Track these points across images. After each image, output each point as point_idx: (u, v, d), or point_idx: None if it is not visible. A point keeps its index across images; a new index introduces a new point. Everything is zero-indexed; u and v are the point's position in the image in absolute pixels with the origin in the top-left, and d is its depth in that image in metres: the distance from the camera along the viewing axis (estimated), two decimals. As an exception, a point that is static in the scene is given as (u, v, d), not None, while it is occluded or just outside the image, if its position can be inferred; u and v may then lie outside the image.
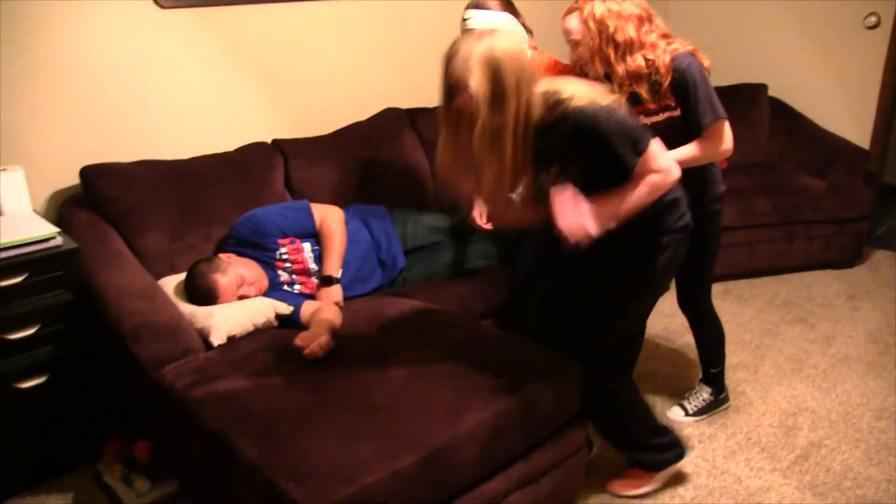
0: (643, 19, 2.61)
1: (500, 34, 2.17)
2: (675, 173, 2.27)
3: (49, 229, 2.80)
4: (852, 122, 4.95)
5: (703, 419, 3.25)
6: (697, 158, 2.64)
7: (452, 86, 2.19)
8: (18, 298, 2.72)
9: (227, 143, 3.58)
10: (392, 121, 4.05)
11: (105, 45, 3.24)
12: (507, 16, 3.06)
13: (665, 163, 2.25)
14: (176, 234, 3.20)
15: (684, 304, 3.17)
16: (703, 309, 3.18)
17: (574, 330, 2.66)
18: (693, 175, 2.62)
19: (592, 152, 2.21)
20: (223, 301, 2.87)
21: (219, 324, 2.73)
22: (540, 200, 2.33)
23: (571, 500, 2.76)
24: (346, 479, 1.95)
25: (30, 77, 3.08)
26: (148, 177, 3.22)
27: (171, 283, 2.98)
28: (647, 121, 2.68)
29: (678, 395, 3.37)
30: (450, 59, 2.20)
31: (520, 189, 2.45)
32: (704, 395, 3.27)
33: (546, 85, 2.21)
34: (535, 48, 3.16)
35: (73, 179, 3.20)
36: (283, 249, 3.14)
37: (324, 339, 2.56)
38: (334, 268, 3.13)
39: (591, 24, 2.60)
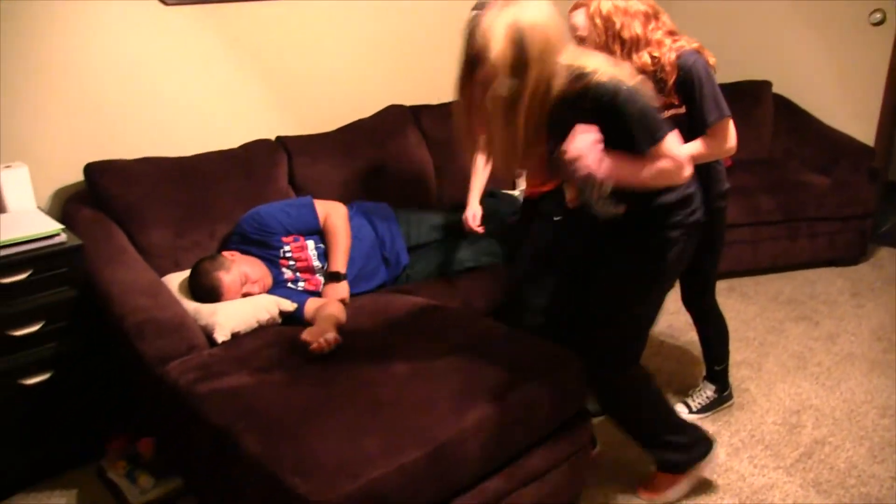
0: (649, 16, 2.60)
1: (527, 4, 2.09)
2: (688, 170, 2.24)
3: (53, 226, 2.80)
4: (857, 119, 4.94)
5: (707, 417, 3.25)
6: (702, 156, 2.64)
7: (474, 57, 2.14)
8: (23, 295, 2.72)
9: (230, 140, 3.59)
10: (396, 118, 4.05)
11: (109, 43, 3.24)
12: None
13: (678, 157, 2.21)
14: (180, 231, 3.20)
15: (688, 301, 3.17)
16: (707, 306, 3.18)
17: (577, 329, 2.66)
18: (698, 172, 2.61)
19: (608, 130, 2.16)
20: (227, 298, 2.87)
21: (223, 321, 2.73)
22: (553, 173, 2.30)
23: (575, 498, 2.76)
24: (351, 473, 1.95)
25: (34, 74, 3.08)
26: (152, 174, 3.22)
27: (175, 280, 2.99)
28: None
29: (682, 392, 3.37)
30: (472, 30, 2.14)
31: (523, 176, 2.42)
32: (708, 392, 3.27)
33: (571, 58, 2.17)
34: None
35: (77, 176, 3.20)
36: (287, 247, 3.14)
37: (331, 334, 2.56)
38: (341, 264, 3.13)
39: (598, 21, 2.59)
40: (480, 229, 3.27)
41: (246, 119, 3.74)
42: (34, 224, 2.82)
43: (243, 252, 3.10)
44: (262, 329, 2.84)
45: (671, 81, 2.60)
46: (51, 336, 2.81)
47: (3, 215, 2.93)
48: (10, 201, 2.97)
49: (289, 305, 2.92)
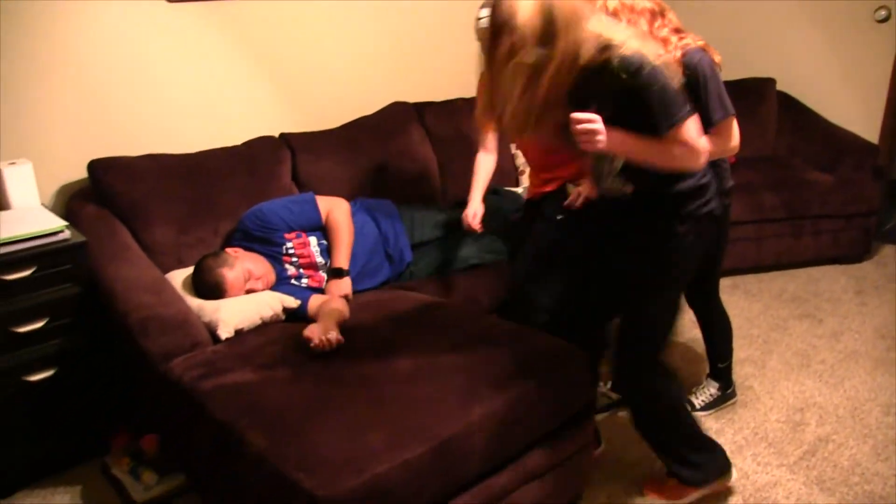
0: (655, 14, 2.59)
1: None
2: (703, 158, 2.22)
3: (57, 223, 2.81)
4: (861, 117, 4.93)
5: (711, 414, 3.25)
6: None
7: (500, 28, 2.12)
8: (27, 292, 2.72)
9: (234, 136, 3.59)
10: (399, 115, 4.05)
11: (113, 40, 3.24)
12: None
13: (695, 143, 2.18)
14: (183, 228, 3.20)
15: (692, 298, 3.17)
16: (711, 304, 3.18)
17: (579, 327, 2.65)
18: None
19: (627, 105, 2.14)
20: (230, 295, 2.87)
21: (226, 317, 2.73)
22: (567, 142, 2.29)
23: (578, 496, 2.76)
24: (355, 469, 1.95)
25: (38, 71, 3.09)
26: (155, 171, 3.22)
27: (178, 277, 2.99)
28: None
29: (686, 389, 3.37)
30: (497, 1, 2.13)
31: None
32: (712, 389, 3.27)
33: (601, 28, 2.14)
34: None
35: (81, 173, 3.21)
36: (290, 244, 3.14)
37: (333, 334, 2.55)
38: (343, 260, 3.13)
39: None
40: (479, 228, 3.25)
41: (250, 116, 3.74)
42: (38, 221, 2.82)
43: (246, 249, 3.10)
44: (265, 326, 2.84)
45: None
46: (54, 333, 2.81)
47: (8, 212, 2.94)
48: (14, 198, 2.97)
49: (292, 302, 2.92)
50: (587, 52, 2.10)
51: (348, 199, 3.43)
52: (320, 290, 3.09)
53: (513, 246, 3.44)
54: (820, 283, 4.53)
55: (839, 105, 5.01)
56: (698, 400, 3.26)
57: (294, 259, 3.14)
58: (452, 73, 4.44)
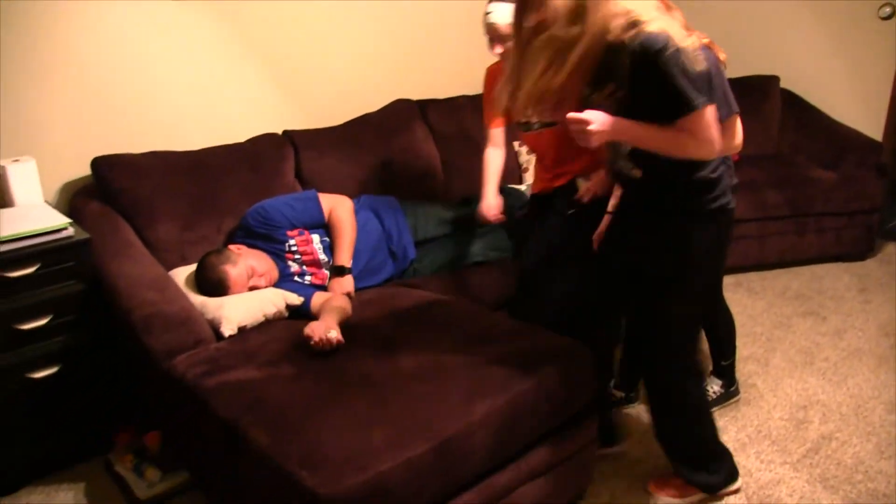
0: (662, 11, 2.59)
1: None
2: (715, 151, 2.20)
3: (61, 220, 2.81)
4: (865, 114, 4.92)
5: (714, 412, 3.23)
6: None
7: (527, 4, 2.12)
8: (30, 289, 2.73)
9: (237, 134, 3.59)
10: (402, 112, 4.05)
11: (116, 37, 3.24)
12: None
13: (710, 135, 2.16)
14: (187, 225, 3.21)
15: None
16: (715, 302, 3.17)
17: (593, 324, 2.65)
18: None
19: (644, 86, 2.13)
20: (234, 292, 2.87)
21: (230, 314, 2.73)
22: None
23: (581, 494, 2.76)
24: (358, 466, 1.95)
25: (41, 69, 3.09)
26: (159, 168, 3.22)
27: (182, 274, 2.99)
28: None
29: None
30: None
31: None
32: (715, 387, 3.27)
33: (629, 4, 2.13)
34: None
35: (84, 170, 3.21)
36: (292, 241, 3.14)
37: (333, 333, 2.55)
38: (346, 257, 3.13)
39: None
40: (502, 217, 3.23)
41: (253, 113, 3.74)
42: (42, 218, 2.83)
43: (249, 246, 3.10)
44: (268, 323, 2.84)
45: None
46: (58, 330, 2.82)
47: (11, 209, 2.94)
48: (17, 195, 2.97)
49: (295, 299, 2.92)
50: (615, 28, 2.10)
51: (351, 196, 3.44)
52: (323, 287, 3.10)
53: (518, 242, 3.43)
54: (823, 280, 4.53)
55: (843, 102, 5.01)
56: (701, 397, 3.26)
57: (297, 256, 3.14)
58: (455, 71, 4.44)
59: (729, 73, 2.72)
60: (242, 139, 3.57)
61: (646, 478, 2.83)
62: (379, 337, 2.65)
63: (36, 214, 2.87)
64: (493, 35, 2.97)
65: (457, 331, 2.65)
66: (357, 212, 3.32)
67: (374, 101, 4.07)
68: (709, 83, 2.15)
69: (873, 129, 4.87)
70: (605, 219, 2.85)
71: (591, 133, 2.13)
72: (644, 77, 2.11)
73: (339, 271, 3.10)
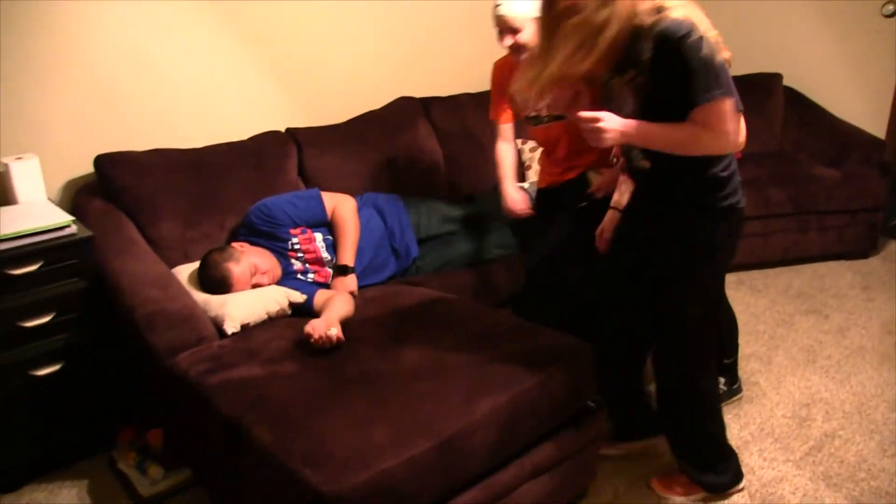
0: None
1: None
2: (731, 145, 2.20)
3: (64, 218, 2.81)
4: (868, 112, 4.92)
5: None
6: None
7: None
8: (33, 286, 2.73)
9: (240, 131, 3.59)
10: (406, 109, 4.05)
11: (119, 35, 3.24)
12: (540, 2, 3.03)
13: (727, 127, 2.15)
14: (189, 223, 3.21)
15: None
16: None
17: (603, 316, 2.65)
18: None
19: (666, 70, 2.11)
20: (237, 290, 2.87)
21: (232, 312, 2.73)
22: (606, 103, 2.28)
23: (584, 492, 2.76)
24: (361, 464, 1.95)
25: (44, 67, 3.09)
26: (162, 165, 3.23)
27: (184, 272, 2.99)
28: None
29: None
30: None
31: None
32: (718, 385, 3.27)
33: None
34: None
35: (87, 168, 3.21)
36: (295, 239, 3.14)
37: (333, 330, 2.54)
38: (349, 257, 3.13)
39: None
40: (530, 211, 3.23)
41: (256, 111, 3.74)
42: (45, 215, 2.83)
43: (252, 244, 3.10)
44: (271, 320, 2.84)
45: None
46: (61, 327, 2.82)
47: (14, 206, 2.94)
48: (20, 193, 2.97)
49: (298, 297, 2.92)
50: (642, 13, 2.10)
51: (354, 193, 3.44)
52: (326, 286, 3.10)
53: (525, 237, 3.43)
54: (826, 278, 4.53)
55: (846, 100, 5.00)
56: (704, 395, 3.26)
57: (300, 254, 3.14)
58: (458, 68, 4.43)
59: (732, 70, 2.71)
60: (245, 137, 3.57)
61: (648, 475, 2.83)
62: (382, 335, 2.65)
63: (39, 212, 2.87)
64: (503, 27, 2.96)
65: (459, 329, 2.65)
66: (360, 209, 3.32)
67: (377, 99, 4.07)
68: (727, 75, 2.14)
69: (877, 126, 4.86)
70: (609, 214, 2.85)
71: (602, 131, 2.13)
72: (665, 63, 2.10)
73: (342, 270, 3.10)
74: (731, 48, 2.77)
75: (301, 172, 3.61)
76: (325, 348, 2.52)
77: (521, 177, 4.19)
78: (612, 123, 2.15)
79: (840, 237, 4.68)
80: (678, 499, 2.73)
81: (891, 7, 4.66)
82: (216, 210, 3.28)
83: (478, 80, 4.31)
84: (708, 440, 2.67)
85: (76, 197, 3.21)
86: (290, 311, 2.91)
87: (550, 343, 2.54)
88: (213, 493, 2.67)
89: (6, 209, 2.90)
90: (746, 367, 3.54)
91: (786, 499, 2.73)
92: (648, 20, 2.10)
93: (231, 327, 2.70)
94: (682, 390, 2.61)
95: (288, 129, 3.71)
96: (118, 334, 2.89)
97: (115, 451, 2.96)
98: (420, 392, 2.26)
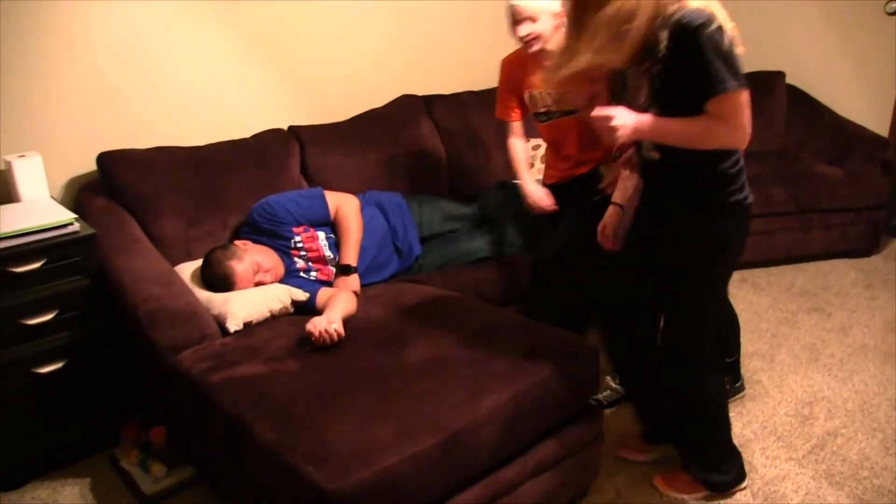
0: None
1: None
2: (744, 139, 2.19)
3: (66, 215, 2.81)
4: (871, 110, 4.91)
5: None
6: None
7: None
8: (36, 284, 2.73)
9: (243, 129, 3.59)
10: (408, 107, 4.05)
11: (122, 32, 3.24)
12: None
13: (741, 120, 2.15)
14: (192, 221, 3.21)
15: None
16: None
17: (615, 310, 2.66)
18: None
19: (682, 60, 2.11)
20: (239, 288, 2.88)
21: (235, 310, 2.74)
22: (620, 94, 2.28)
23: (586, 490, 2.76)
24: (364, 461, 1.95)
25: (47, 64, 3.09)
26: (164, 163, 3.23)
27: (187, 270, 2.99)
28: None
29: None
30: None
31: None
32: (720, 383, 3.27)
33: None
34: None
35: (90, 166, 3.21)
36: (298, 238, 3.14)
37: (334, 326, 2.55)
38: (352, 257, 3.13)
39: None
40: (555, 206, 3.22)
41: (258, 109, 3.74)
42: (47, 213, 2.83)
43: (255, 242, 3.10)
44: (274, 319, 2.84)
45: None
46: (64, 325, 2.82)
47: (17, 204, 2.95)
48: (23, 190, 2.98)
49: (301, 295, 2.92)
50: (665, 2, 2.10)
51: (357, 191, 3.44)
52: (329, 284, 3.10)
53: (533, 233, 3.43)
54: (829, 276, 4.52)
55: (849, 98, 5.00)
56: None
57: (303, 253, 3.14)
58: (460, 66, 4.43)
59: (735, 68, 2.71)
60: (248, 135, 3.57)
61: (651, 473, 2.83)
62: (384, 332, 2.65)
63: (41, 210, 2.87)
64: (519, 17, 2.96)
65: (462, 327, 2.65)
66: (362, 208, 3.32)
67: (379, 97, 4.06)
68: (742, 68, 2.14)
69: (879, 124, 4.86)
70: (610, 209, 2.85)
71: (615, 129, 2.14)
72: (682, 53, 2.10)
73: (345, 270, 3.10)
74: (735, 46, 2.76)
75: (303, 170, 3.61)
76: (327, 345, 2.52)
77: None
78: (624, 120, 2.16)
79: (843, 235, 4.67)
80: (681, 497, 2.73)
81: (894, 5, 4.65)
82: (219, 208, 3.28)
83: (480, 78, 4.32)
84: (712, 439, 2.67)
85: (79, 195, 3.21)
86: (292, 310, 2.91)
87: (553, 341, 2.55)
88: (216, 490, 2.68)
89: (9, 207, 2.91)
90: (749, 365, 3.53)
91: (788, 497, 2.73)
92: (670, 9, 2.10)
93: (234, 325, 2.71)
94: (686, 388, 2.61)
95: (290, 127, 3.71)
96: (121, 332, 2.89)
97: (117, 449, 2.96)
98: (423, 389, 2.26)
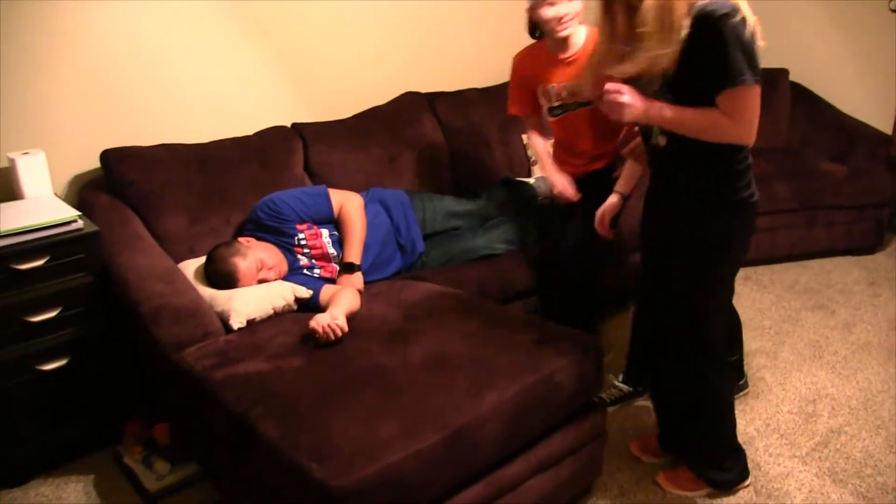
0: None
1: None
2: (750, 135, 2.20)
3: (70, 212, 2.81)
4: (875, 107, 4.91)
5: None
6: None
7: None
8: (40, 281, 2.73)
9: (246, 127, 3.59)
10: (411, 105, 4.05)
11: (126, 29, 3.24)
12: None
13: (750, 116, 2.16)
14: (196, 218, 3.21)
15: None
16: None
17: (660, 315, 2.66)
18: None
19: (700, 49, 2.11)
20: (243, 285, 2.88)
21: (239, 307, 2.74)
22: (635, 81, 2.29)
23: (590, 488, 2.76)
24: (368, 458, 1.96)
25: (51, 61, 3.09)
26: (168, 160, 3.23)
27: (191, 267, 3.00)
28: None
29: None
30: None
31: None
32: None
33: None
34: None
35: (93, 163, 3.21)
36: (302, 235, 3.14)
37: (336, 322, 2.55)
38: (355, 255, 3.13)
39: None
40: (577, 196, 3.23)
41: (261, 106, 3.74)
42: (51, 210, 2.83)
43: (259, 239, 3.10)
44: (277, 316, 2.84)
45: None
46: (67, 322, 2.82)
47: (21, 202, 2.95)
48: (27, 188, 2.98)
49: (304, 292, 2.92)
50: None
51: (360, 188, 3.44)
52: (333, 281, 3.09)
53: (542, 230, 3.44)
54: (832, 274, 4.52)
55: (853, 95, 4.99)
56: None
57: (306, 250, 3.13)
58: (464, 64, 4.43)
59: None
60: (251, 132, 3.57)
61: (655, 471, 2.83)
62: (387, 329, 2.65)
63: (45, 207, 2.87)
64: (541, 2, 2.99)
65: (465, 323, 2.65)
66: (366, 205, 3.32)
67: (382, 94, 4.06)
68: (759, 63, 2.14)
69: (883, 122, 4.85)
70: (611, 198, 2.86)
71: (623, 105, 2.15)
72: (702, 41, 2.10)
73: (348, 268, 3.10)
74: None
75: (307, 167, 3.61)
76: (331, 341, 2.52)
77: (527, 172, 4.19)
78: (634, 98, 2.16)
79: (846, 233, 4.67)
80: (684, 494, 2.73)
81: (898, 2, 4.65)
82: (222, 205, 3.28)
83: (484, 75, 4.32)
84: (716, 437, 2.67)
85: (82, 192, 3.21)
86: (295, 307, 2.91)
87: (557, 337, 2.55)
88: (219, 487, 2.68)
89: (12, 204, 2.91)
90: (752, 362, 3.53)
91: (791, 494, 2.73)
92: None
93: (237, 322, 2.71)
94: (691, 385, 2.61)
95: (294, 125, 3.71)
96: (124, 329, 2.89)
97: (121, 446, 2.96)
98: (426, 385, 2.26)
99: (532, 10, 3.08)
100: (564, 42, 3.12)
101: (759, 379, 3.42)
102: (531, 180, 3.98)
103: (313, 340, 2.53)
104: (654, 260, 2.62)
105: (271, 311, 2.83)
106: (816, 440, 3.02)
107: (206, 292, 2.82)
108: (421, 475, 2.01)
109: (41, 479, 2.91)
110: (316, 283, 2.99)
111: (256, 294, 2.83)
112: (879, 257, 4.75)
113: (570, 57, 3.15)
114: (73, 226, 2.79)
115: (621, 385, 3.25)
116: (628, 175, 2.89)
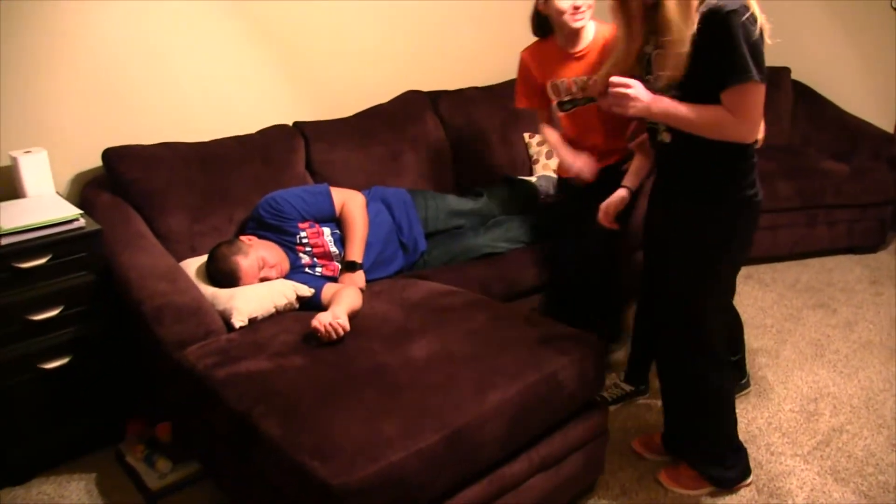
0: None
1: None
2: (753, 133, 2.21)
3: (72, 211, 2.81)
4: (877, 106, 4.90)
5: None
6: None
7: None
8: (42, 280, 2.73)
9: (248, 125, 3.59)
10: (414, 103, 4.04)
11: (128, 28, 3.24)
12: None
13: (754, 114, 2.16)
14: (197, 217, 3.21)
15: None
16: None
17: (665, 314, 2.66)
18: None
19: (707, 45, 2.11)
20: (245, 283, 2.87)
21: (240, 306, 2.74)
22: (642, 76, 2.29)
23: (592, 486, 2.76)
24: (370, 457, 1.96)
25: (53, 60, 3.09)
26: (170, 159, 3.23)
27: (192, 265, 3.00)
28: None
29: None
30: None
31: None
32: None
33: None
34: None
35: (95, 161, 3.21)
36: (303, 234, 3.14)
37: (337, 321, 2.54)
38: (357, 253, 3.12)
39: None
40: (595, 176, 3.21)
41: (263, 104, 3.74)
42: (53, 209, 2.83)
43: (260, 237, 3.10)
44: (279, 314, 2.84)
45: None
46: (69, 320, 2.82)
47: (23, 200, 2.95)
48: (29, 186, 2.98)
49: (306, 290, 2.92)
50: None
51: (362, 187, 3.44)
52: (334, 279, 3.09)
53: (548, 226, 3.45)
54: (834, 272, 4.52)
55: (855, 94, 4.99)
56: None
57: (308, 248, 3.13)
58: (466, 62, 4.43)
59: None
60: (253, 130, 3.57)
61: (656, 469, 2.83)
62: (390, 328, 2.65)
63: (47, 205, 2.88)
64: None
65: (467, 322, 2.65)
66: (368, 204, 3.32)
67: (384, 93, 4.06)
68: (765, 63, 2.14)
69: (885, 121, 4.85)
70: (618, 191, 2.86)
71: (630, 98, 2.16)
72: (710, 36, 2.10)
73: (350, 267, 3.10)
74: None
75: (309, 166, 3.61)
76: (332, 339, 2.52)
77: (529, 171, 4.19)
78: (640, 93, 2.17)
79: (848, 231, 4.67)
80: (686, 492, 2.73)
81: (900, 0, 4.65)
82: (224, 203, 3.28)
83: (486, 74, 4.31)
84: (718, 435, 2.67)
85: (84, 190, 3.21)
86: (297, 305, 2.91)
87: (559, 336, 2.54)
88: (221, 486, 2.68)
89: (14, 203, 2.91)
90: (754, 361, 3.53)
91: (793, 493, 2.73)
92: None
93: (239, 321, 2.71)
94: (690, 385, 2.61)
95: (295, 123, 3.71)
96: (126, 327, 2.89)
97: (123, 445, 2.96)
98: (428, 384, 2.26)
99: (545, 3, 3.06)
100: (575, 36, 3.11)
101: (761, 378, 3.42)
102: (533, 179, 3.98)
103: (315, 339, 2.53)
104: (655, 258, 2.62)
105: (273, 310, 2.83)
106: (818, 439, 3.02)
107: (208, 291, 2.82)
108: (422, 474, 2.01)
109: (43, 477, 2.91)
110: (318, 282, 2.99)
111: (258, 292, 2.83)
112: (881, 256, 4.74)
113: (580, 51, 3.14)
114: (75, 224, 2.79)
115: (623, 384, 3.25)
116: (636, 169, 2.89)
